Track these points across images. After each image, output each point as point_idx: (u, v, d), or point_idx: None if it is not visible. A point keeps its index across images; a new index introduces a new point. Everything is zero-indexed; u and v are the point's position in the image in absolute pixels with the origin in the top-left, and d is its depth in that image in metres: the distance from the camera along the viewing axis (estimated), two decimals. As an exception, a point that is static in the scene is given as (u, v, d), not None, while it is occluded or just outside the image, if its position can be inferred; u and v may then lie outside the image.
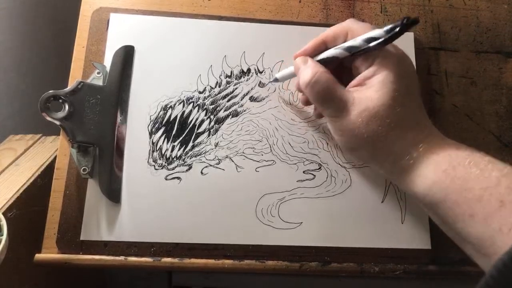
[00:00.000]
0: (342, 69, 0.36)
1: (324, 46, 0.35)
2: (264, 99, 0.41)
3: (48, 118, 0.37)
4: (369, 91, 0.31)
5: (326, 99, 0.32)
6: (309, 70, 0.33)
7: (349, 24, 0.33)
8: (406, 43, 0.44)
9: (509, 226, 0.24)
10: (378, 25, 0.45)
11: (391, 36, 0.30)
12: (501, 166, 0.27)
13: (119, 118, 0.39)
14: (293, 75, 0.37)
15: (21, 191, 0.39)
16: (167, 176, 0.39)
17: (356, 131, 0.31)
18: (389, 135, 0.30)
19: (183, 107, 0.41)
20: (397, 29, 0.29)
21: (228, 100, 0.41)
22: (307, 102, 0.40)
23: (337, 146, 0.41)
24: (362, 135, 0.31)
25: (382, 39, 0.30)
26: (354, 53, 0.32)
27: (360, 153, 0.34)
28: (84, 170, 0.37)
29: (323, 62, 0.34)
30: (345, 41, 0.33)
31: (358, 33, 0.32)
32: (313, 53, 0.35)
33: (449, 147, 0.30)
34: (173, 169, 0.39)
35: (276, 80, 0.40)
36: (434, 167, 0.29)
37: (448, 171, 0.28)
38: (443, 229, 0.31)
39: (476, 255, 0.27)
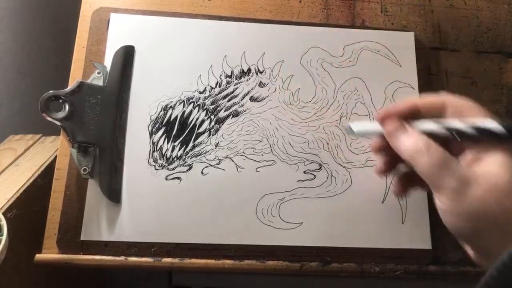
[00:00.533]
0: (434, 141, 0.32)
1: (416, 111, 0.32)
2: (264, 99, 0.41)
3: (48, 118, 0.37)
4: (492, 167, 0.27)
5: (444, 168, 0.27)
6: (415, 137, 0.29)
7: (446, 97, 0.30)
8: (406, 43, 0.44)
9: None
10: (383, 27, 0.45)
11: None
12: None
13: (119, 118, 0.39)
14: (376, 134, 0.33)
15: (21, 191, 0.39)
16: (167, 176, 0.39)
17: (485, 210, 0.26)
18: None
19: (183, 107, 0.40)
20: None
21: (229, 100, 0.41)
22: (383, 171, 0.35)
23: (338, 146, 0.40)
24: (492, 216, 0.26)
25: (500, 135, 0.27)
26: (460, 139, 0.29)
27: (483, 238, 0.28)
28: (84, 170, 0.37)
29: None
30: (440, 114, 0.30)
31: (460, 109, 0.29)
32: (401, 116, 0.32)
33: None
34: (173, 169, 0.39)
35: (351, 132, 0.34)
36: None
37: None
38: None
39: None
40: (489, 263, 0.26)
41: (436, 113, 0.31)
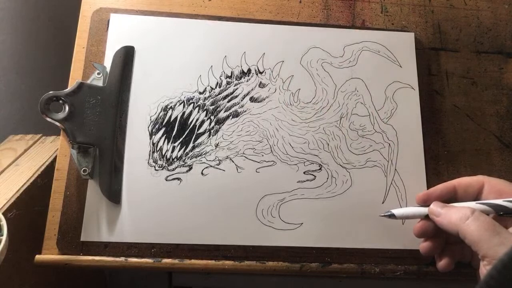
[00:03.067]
0: None
1: (454, 192, 0.33)
2: (264, 99, 0.41)
3: (48, 119, 0.37)
4: None
5: (495, 233, 0.28)
6: (460, 209, 0.31)
7: (484, 178, 0.32)
8: (406, 44, 0.44)
9: None
10: (384, 27, 0.45)
11: None
12: None
13: (119, 119, 0.39)
14: (418, 217, 0.35)
15: (21, 191, 0.39)
16: (167, 177, 0.39)
17: None
18: None
19: (183, 107, 0.40)
20: None
21: (229, 101, 0.41)
22: (431, 251, 0.35)
23: (338, 147, 0.40)
24: None
25: None
26: (500, 214, 0.30)
27: None
28: (84, 171, 0.37)
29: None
30: (479, 192, 0.32)
31: (500, 189, 0.31)
32: (439, 198, 0.34)
33: None
34: (173, 169, 0.39)
35: (392, 216, 0.36)
36: None
37: None
38: None
39: None
40: None
41: (473, 194, 0.32)
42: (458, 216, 0.30)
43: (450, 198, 0.34)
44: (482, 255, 0.28)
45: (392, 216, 0.36)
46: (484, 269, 0.28)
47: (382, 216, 0.36)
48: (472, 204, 0.32)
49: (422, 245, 0.35)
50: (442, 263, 0.35)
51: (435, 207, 0.33)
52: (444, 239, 0.35)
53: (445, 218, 0.32)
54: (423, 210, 0.34)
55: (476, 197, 0.33)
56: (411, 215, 0.36)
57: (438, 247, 0.35)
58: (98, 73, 0.40)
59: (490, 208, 0.31)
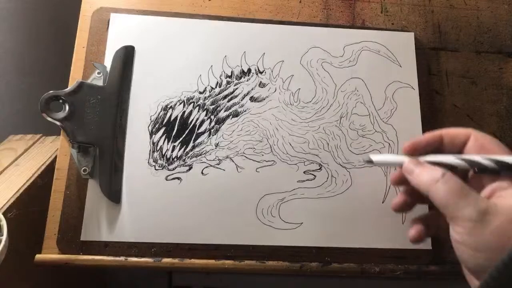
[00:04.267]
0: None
1: (439, 143, 0.32)
2: (264, 99, 0.41)
3: (49, 119, 0.37)
4: (510, 200, 0.27)
5: (463, 197, 0.27)
6: (432, 168, 0.30)
7: (473, 131, 0.31)
8: (406, 43, 0.44)
9: None
10: (384, 27, 0.45)
11: None
12: None
13: (119, 118, 0.39)
14: (395, 165, 0.34)
15: (21, 191, 0.39)
16: (167, 176, 0.39)
17: (503, 242, 0.25)
18: None
19: (183, 107, 0.40)
20: None
21: (229, 101, 0.41)
22: (401, 206, 0.34)
23: (338, 146, 0.40)
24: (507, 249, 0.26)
25: None
26: (479, 172, 0.29)
27: None
28: (84, 170, 0.37)
29: (435, 164, 0.31)
30: (464, 145, 0.31)
31: (483, 143, 0.29)
32: (427, 148, 0.32)
33: None
34: (173, 169, 0.39)
35: (370, 161, 0.34)
36: None
37: None
38: None
39: None
40: None
41: (459, 145, 0.31)
42: (429, 178, 0.29)
43: (436, 147, 0.32)
44: (449, 218, 0.28)
45: (369, 161, 0.34)
46: (453, 232, 0.28)
47: (363, 164, 0.37)
48: (450, 158, 0.31)
49: (395, 200, 0.34)
50: (413, 232, 0.33)
51: (409, 165, 0.31)
52: (416, 196, 0.33)
53: (417, 178, 0.30)
54: (401, 158, 0.32)
55: (461, 149, 0.32)
56: (388, 161, 0.34)
57: (410, 204, 0.34)
58: (98, 73, 0.40)
59: (465, 163, 0.30)
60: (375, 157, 0.34)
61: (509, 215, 0.26)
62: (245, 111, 0.41)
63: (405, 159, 0.32)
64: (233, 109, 0.41)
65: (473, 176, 0.30)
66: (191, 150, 0.39)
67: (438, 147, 0.32)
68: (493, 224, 0.26)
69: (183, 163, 0.39)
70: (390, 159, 0.34)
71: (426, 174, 0.30)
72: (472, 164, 0.29)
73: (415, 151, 0.32)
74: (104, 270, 0.54)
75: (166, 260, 0.36)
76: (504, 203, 0.27)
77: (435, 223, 0.33)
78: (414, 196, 0.32)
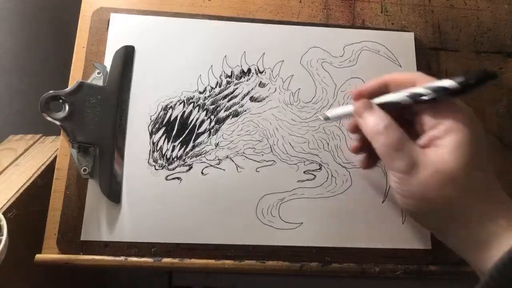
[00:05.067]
0: (402, 122, 0.32)
1: (385, 89, 0.33)
2: (264, 99, 0.41)
3: (49, 118, 0.37)
4: (442, 152, 0.28)
5: (396, 151, 0.29)
6: (377, 118, 0.31)
7: (418, 75, 0.31)
8: (406, 43, 0.44)
9: None
10: (384, 27, 0.45)
11: (464, 89, 0.27)
12: None
13: (119, 118, 0.39)
14: (349, 116, 0.34)
15: (21, 191, 0.39)
16: (167, 176, 0.39)
17: (426, 194, 0.28)
18: (464, 203, 0.27)
19: (183, 107, 0.40)
20: (472, 81, 0.27)
21: (229, 100, 0.41)
22: (358, 150, 0.37)
23: (338, 146, 0.40)
24: (433, 200, 0.28)
25: (453, 90, 0.27)
26: (418, 101, 0.30)
27: (427, 219, 0.30)
28: (84, 170, 0.37)
29: (382, 107, 0.32)
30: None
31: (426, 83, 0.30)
32: (373, 94, 0.33)
33: None
34: (173, 169, 0.39)
35: (327, 118, 0.36)
36: None
37: None
38: None
39: None
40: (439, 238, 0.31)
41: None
42: (373, 126, 0.31)
43: (383, 93, 0.32)
44: (386, 168, 0.31)
45: (327, 118, 0.36)
46: (389, 179, 0.30)
47: (322, 120, 0.38)
48: (391, 96, 0.31)
49: (352, 143, 0.37)
50: (363, 163, 0.37)
51: (359, 107, 0.32)
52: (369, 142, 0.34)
53: (364, 126, 0.32)
54: (352, 108, 0.33)
55: None
56: (342, 113, 0.35)
57: (364, 149, 0.35)
58: (98, 73, 0.40)
59: (405, 97, 0.30)
60: (330, 113, 0.36)
61: (434, 169, 0.28)
62: (245, 111, 0.41)
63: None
64: (233, 109, 0.41)
65: (420, 120, 0.30)
66: (191, 150, 0.40)
67: (385, 93, 0.32)
68: (419, 177, 0.28)
69: (183, 163, 0.39)
70: (344, 110, 0.35)
71: (370, 121, 0.31)
72: (412, 96, 0.30)
73: (362, 98, 0.33)
74: (104, 270, 0.54)
75: (166, 260, 0.36)
76: (432, 156, 0.28)
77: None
78: (367, 141, 0.33)
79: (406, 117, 0.32)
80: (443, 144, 0.28)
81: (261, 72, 0.42)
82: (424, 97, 0.29)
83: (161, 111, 0.40)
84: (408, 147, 0.29)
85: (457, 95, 0.28)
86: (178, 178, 0.39)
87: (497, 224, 0.26)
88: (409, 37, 0.44)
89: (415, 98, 0.30)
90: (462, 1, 0.47)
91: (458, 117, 0.28)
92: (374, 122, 0.30)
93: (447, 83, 0.28)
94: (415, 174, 0.28)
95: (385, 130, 0.30)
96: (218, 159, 0.39)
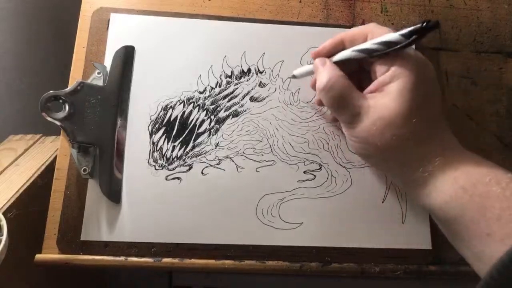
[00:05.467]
0: (362, 72, 0.35)
1: (342, 46, 0.34)
2: (264, 99, 0.41)
3: (48, 118, 0.37)
4: (386, 98, 0.30)
5: (340, 105, 0.32)
6: (325, 74, 0.33)
7: (371, 27, 0.32)
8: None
9: None
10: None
11: (410, 42, 0.29)
12: None
13: (119, 118, 0.39)
14: (311, 73, 0.37)
15: (21, 191, 0.39)
16: (167, 176, 0.39)
17: (369, 139, 0.31)
18: (403, 146, 0.30)
19: (183, 107, 0.40)
20: (415, 35, 0.28)
21: (229, 100, 0.41)
22: (321, 103, 0.39)
23: (338, 146, 0.40)
24: (375, 144, 0.30)
25: (400, 44, 0.29)
26: (372, 56, 0.31)
27: (374, 160, 0.33)
28: (84, 170, 0.37)
29: (340, 63, 0.34)
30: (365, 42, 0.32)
31: (378, 36, 0.31)
32: (331, 52, 0.35)
33: (469, 162, 0.29)
34: (173, 169, 0.39)
35: (294, 76, 0.40)
36: (451, 182, 0.28)
37: (466, 187, 0.27)
38: (455, 244, 0.30)
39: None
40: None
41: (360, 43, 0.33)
42: (319, 83, 0.33)
43: (341, 51, 0.34)
44: (339, 120, 0.34)
45: (293, 77, 0.40)
46: (340, 126, 0.34)
47: (290, 78, 0.41)
48: (345, 53, 0.33)
49: (317, 98, 0.39)
50: (332, 115, 0.40)
51: (316, 62, 0.35)
52: None
53: (317, 80, 0.34)
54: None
55: None
56: (305, 71, 0.38)
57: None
58: (98, 73, 0.40)
59: (358, 53, 0.32)
60: (296, 72, 0.39)
61: (377, 116, 0.30)
62: (245, 111, 0.41)
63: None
64: (233, 109, 0.41)
65: (373, 67, 0.32)
66: (191, 150, 0.40)
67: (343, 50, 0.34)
68: (363, 125, 0.31)
69: (183, 163, 0.39)
70: (307, 68, 0.38)
71: (319, 80, 0.33)
72: (364, 51, 0.32)
73: (321, 56, 0.36)
74: (104, 270, 0.54)
75: (166, 260, 0.36)
76: (376, 103, 0.31)
77: None
78: None
79: (365, 67, 0.34)
80: (388, 90, 0.30)
81: (261, 72, 0.42)
82: (374, 52, 0.31)
83: (161, 111, 0.40)
84: (353, 99, 0.31)
85: (405, 47, 0.29)
86: (178, 178, 0.39)
87: (434, 165, 0.29)
88: (409, 37, 0.44)
89: (367, 53, 0.31)
90: (462, 1, 0.47)
91: (404, 64, 0.30)
92: (321, 80, 0.33)
93: (391, 36, 0.30)
94: (359, 123, 0.31)
95: (330, 87, 0.32)
96: (218, 159, 0.39)
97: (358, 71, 0.35)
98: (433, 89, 0.32)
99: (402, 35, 0.29)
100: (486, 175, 0.27)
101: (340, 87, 0.32)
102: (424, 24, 0.28)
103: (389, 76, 0.30)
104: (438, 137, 0.30)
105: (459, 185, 0.28)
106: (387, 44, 0.30)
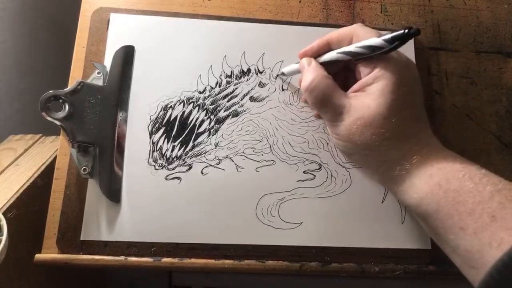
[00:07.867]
0: (348, 71, 0.36)
1: (328, 47, 0.35)
2: (264, 99, 0.41)
3: (48, 118, 0.37)
4: (367, 98, 0.31)
5: (323, 105, 0.33)
6: (310, 74, 0.34)
7: (356, 28, 0.33)
8: (406, 43, 0.44)
9: (499, 241, 0.24)
10: (383, 27, 0.45)
11: (392, 48, 0.29)
12: (496, 180, 0.27)
13: (119, 118, 0.39)
14: (298, 72, 0.38)
15: (21, 191, 0.39)
16: (167, 176, 0.39)
17: (350, 137, 0.32)
18: (382, 145, 0.31)
19: (183, 107, 0.41)
20: (398, 42, 0.29)
21: (228, 100, 0.41)
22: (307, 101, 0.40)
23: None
24: (355, 142, 0.31)
25: (383, 49, 0.30)
26: (357, 59, 0.32)
27: (355, 158, 0.34)
28: (84, 170, 0.37)
29: (326, 64, 0.35)
30: (349, 44, 0.33)
31: (362, 38, 0.32)
32: (317, 53, 0.36)
33: (445, 159, 0.30)
34: (173, 169, 0.39)
35: (283, 74, 0.41)
36: (426, 179, 0.29)
37: (441, 183, 0.28)
38: (434, 239, 0.31)
39: (464, 267, 0.28)
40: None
41: (348, 45, 0.33)
42: (304, 83, 0.34)
43: (327, 52, 0.35)
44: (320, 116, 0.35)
45: (282, 74, 0.41)
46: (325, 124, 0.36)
47: (279, 77, 0.42)
48: (331, 55, 0.34)
49: (303, 96, 0.40)
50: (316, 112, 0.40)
51: (302, 62, 0.36)
52: None
53: (302, 78, 0.35)
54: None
55: None
56: (294, 70, 0.39)
57: None
58: (98, 73, 0.40)
59: (343, 55, 0.33)
60: (285, 69, 0.40)
61: (358, 115, 0.31)
62: (244, 111, 0.41)
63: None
64: (233, 109, 0.41)
65: (357, 68, 0.33)
66: (191, 149, 0.40)
67: (329, 51, 0.35)
68: (344, 123, 0.32)
69: (183, 162, 0.39)
70: (295, 67, 0.38)
71: (304, 80, 0.34)
72: (349, 54, 0.32)
73: (308, 56, 0.36)
74: (103, 270, 0.54)
75: (165, 259, 0.36)
76: (358, 103, 0.31)
77: None
78: None
79: (351, 67, 0.36)
80: (370, 90, 0.31)
81: (261, 72, 0.42)
82: (358, 55, 0.32)
83: (161, 111, 0.40)
84: (335, 98, 0.32)
85: (388, 52, 0.30)
86: (178, 178, 0.39)
87: (411, 163, 0.30)
88: (409, 37, 0.44)
89: (351, 56, 0.32)
90: (462, 1, 0.47)
91: (386, 66, 0.31)
92: (305, 80, 0.34)
93: (374, 41, 0.30)
94: (341, 122, 0.32)
95: (314, 87, 0.33)
96: (218, 159, 0.39)
97: (344, 70, 0.37)
98: (414, 89, 0.32)
99: (385, 40, 0.30)
100: (460, 171, 0.28)
101: (323, 87, 0.33)
102: (406, 31, 0.28)
103: (372, 77, 0.31)
104: (417, 136, 0.31)
105: (435, 181, 0.29)
106: (371, 48, 0.31)
